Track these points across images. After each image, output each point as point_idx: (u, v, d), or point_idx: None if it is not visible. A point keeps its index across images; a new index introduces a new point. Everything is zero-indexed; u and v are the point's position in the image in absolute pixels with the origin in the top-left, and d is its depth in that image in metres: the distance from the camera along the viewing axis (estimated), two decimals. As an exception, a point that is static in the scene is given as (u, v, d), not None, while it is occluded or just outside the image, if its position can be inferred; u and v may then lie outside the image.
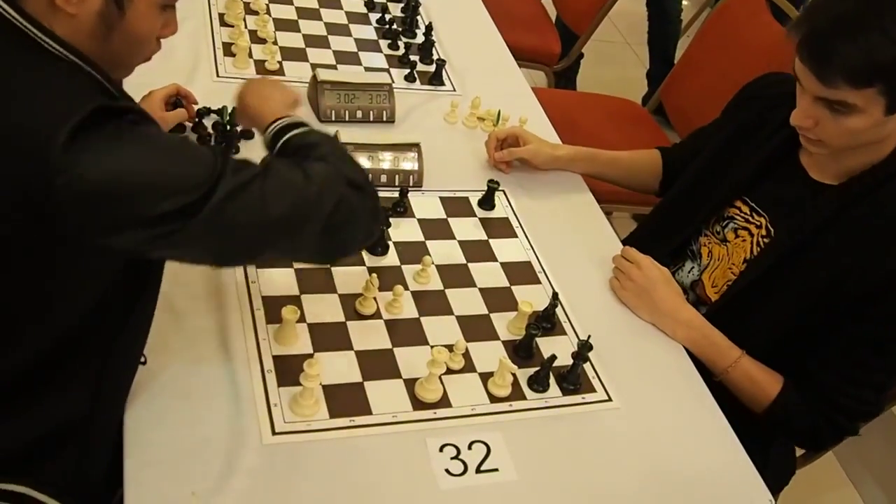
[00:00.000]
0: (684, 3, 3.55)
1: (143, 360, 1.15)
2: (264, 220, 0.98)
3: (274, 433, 1.14)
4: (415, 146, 1.61)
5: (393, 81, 1.78)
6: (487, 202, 1.61)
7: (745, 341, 1.42)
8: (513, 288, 1.46)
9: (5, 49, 0.92)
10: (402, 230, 1.51)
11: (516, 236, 1.58)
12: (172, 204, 0.90)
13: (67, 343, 1.01)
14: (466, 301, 1.41)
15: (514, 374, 1.28)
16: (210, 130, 1.58)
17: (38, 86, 0.91)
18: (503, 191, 1.66)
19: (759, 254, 1.45)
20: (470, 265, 1.48)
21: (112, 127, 0.89)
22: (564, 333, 1.41)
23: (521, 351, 1.34)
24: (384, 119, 1.75)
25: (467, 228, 1.56)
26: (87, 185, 0.86)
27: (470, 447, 1.19)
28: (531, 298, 1.40)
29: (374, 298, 1.34)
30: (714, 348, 1.43)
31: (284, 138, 1.14)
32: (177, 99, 1.56)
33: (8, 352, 0.99)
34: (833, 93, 1.23)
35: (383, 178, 1.59)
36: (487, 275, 1.47)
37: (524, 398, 1.28)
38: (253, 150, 1.58)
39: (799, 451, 1.64)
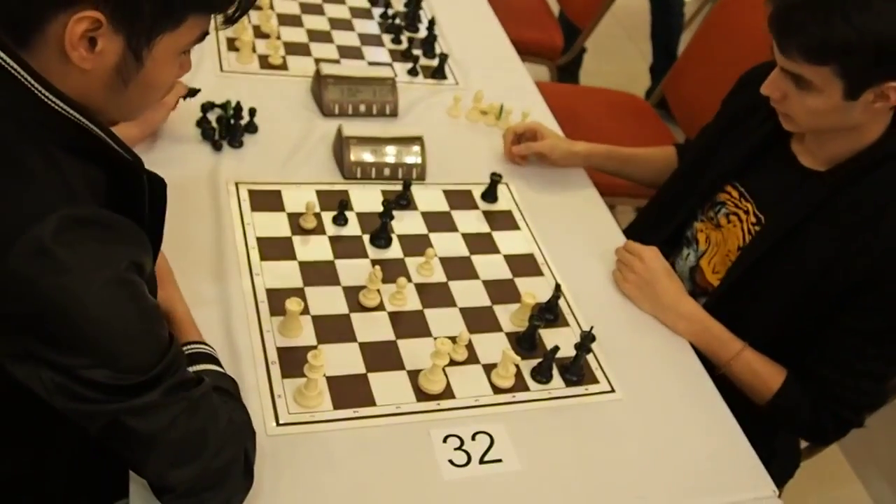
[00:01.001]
0: (687, -3, 3.55)
1: None
2: (155, 442, 0.89)
3: (278, 424, 1.14)
4: (418, 139, 1.62)
5: (396, 76, 1.78)
6: (490, 195, 1.62)
7: (746, 331, 1.43)
8: (516, 280, 1.46)
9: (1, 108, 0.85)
10: (406, 223, 1.51)
11: (519, 229, 1.58)
12: (103, 375, 0.84)
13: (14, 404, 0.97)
14: (470, 293, 1.42)
15: (517, 366, 1.29)
16: (214, 124, 1.58)
17: (23, 172, 0.83)
18: (506, 183, 1.66)
19: (751, 241, 1.46)
20: (473, 257, 1.49)
21: (93, 251, 0.82)
22: (567, 325, 1.41)
23: (524, 343, 1.35)
24: (387, 113, 1.75)
25: (470, 221, 1.56)
26: (37, 307, 0.80)
27: (473, 438, 1.20)
28: (534, 290, 1.40)
29: (378, 290, 1.34)
30: (716, 341, 1.43)
31: (200, 368, 1.06)
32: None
33: None
34: (791, 65, 1.26)
35: (387, 172, 1.59)
36: (490, 267, 1.48)
37: (527, 389, 1.29)
38: (257, 145, 1.59)
39: (804, 444, 1.64)
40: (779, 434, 1.55)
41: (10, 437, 1.02)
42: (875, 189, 1.34)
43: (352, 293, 1.35)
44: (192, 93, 1.55)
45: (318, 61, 1.81)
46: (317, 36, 1.94)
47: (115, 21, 0.85)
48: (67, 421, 0.90)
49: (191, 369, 1.02)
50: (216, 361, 1.10)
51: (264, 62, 1.81)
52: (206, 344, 1.13)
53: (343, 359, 1.25)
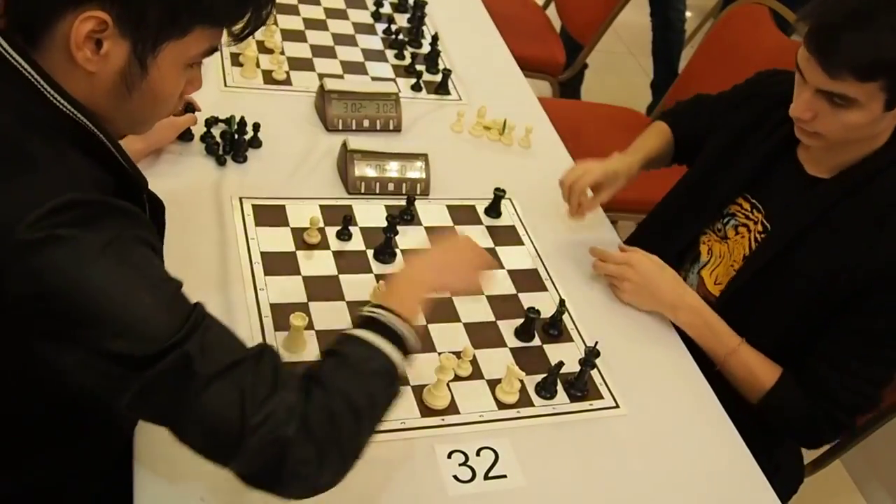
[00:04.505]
0: (688, 13, 3.56)
1: None
2: (190, 409, 0.85)
3: (283, 439, 1.14)
4: (422, 156, 1.62)
5: (399, 91, 1.79)
6: (494, 210, 1.62)
7: (747, 337, 1.43)
8: (520, 295, 1.46)
9: (9, 104, 0.85)
10: (410, 238, 1.51)
11: (523, 244, 1.58)
12: (124, 347, 0.81)
13: (60, 409, 0.97)
14: (474, 308, 1.42)
15: (521, 381, 1.29)
16: (218, 139, 1.59)
17: (28, 161, 0.83)
18: (509, 199, 1.66)
19: (756, 249, 1.46)
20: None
21: (96, 233, 0.81)
22: (571, 340, 1.41)
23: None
24: (391, 128, 1.76)
25: (474, 236, 1.54)
26: (41, 286, 0.79)
27: (478, 454, 1.20)
28: (538, 305, 1.40)
29: (382, 306, 1.34)
30: (714, 335, 1.44)
31: (364, 349, 0.96)
32: (186, 105, 1.57)
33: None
34: (837, 85, 1.24)
35: (391, 187, 1.59)
36: (494, 282, 1.48)
37: (532, 405, 1.29)
38: (261, 160, 1.60)
39: (807, 459, 1.63)
40: (782, 448, 1.55)
41: (33, 448, 1.01)
42: (881, 192, 1.34)
43: (356, 308, 1.35)
44: (191, 109, 1.56)
45: (321, 76, 1.82)
46: (320, 51, 1.95)
47: (120, 24, 0.85)
48: (89, 432, 0.90)
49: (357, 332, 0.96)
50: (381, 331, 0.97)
51: (268, 77, 1.81)
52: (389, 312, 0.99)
53: (347, 374, 1.24)
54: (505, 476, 1.18)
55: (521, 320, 1.39)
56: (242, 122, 1.58)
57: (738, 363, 1.42)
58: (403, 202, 1.56)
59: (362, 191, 1.58)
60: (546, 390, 1.30)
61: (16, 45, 0.85)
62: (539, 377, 1.31)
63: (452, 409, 1.24)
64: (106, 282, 0.81)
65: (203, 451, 0.89)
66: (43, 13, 0.85)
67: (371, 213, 1.54)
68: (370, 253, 1.46)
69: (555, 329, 1.41)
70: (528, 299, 1.45)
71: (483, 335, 1.37)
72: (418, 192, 1.61)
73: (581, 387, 1.32)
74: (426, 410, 1.23)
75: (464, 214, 1.61)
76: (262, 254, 1.40)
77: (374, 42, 2.04)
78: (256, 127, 1.61)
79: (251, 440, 0.85)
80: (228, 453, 0.86)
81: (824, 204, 1.38)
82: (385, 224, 1.45)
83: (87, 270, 0.80)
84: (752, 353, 1.42)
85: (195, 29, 0.90)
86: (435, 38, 2.00)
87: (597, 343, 1.33)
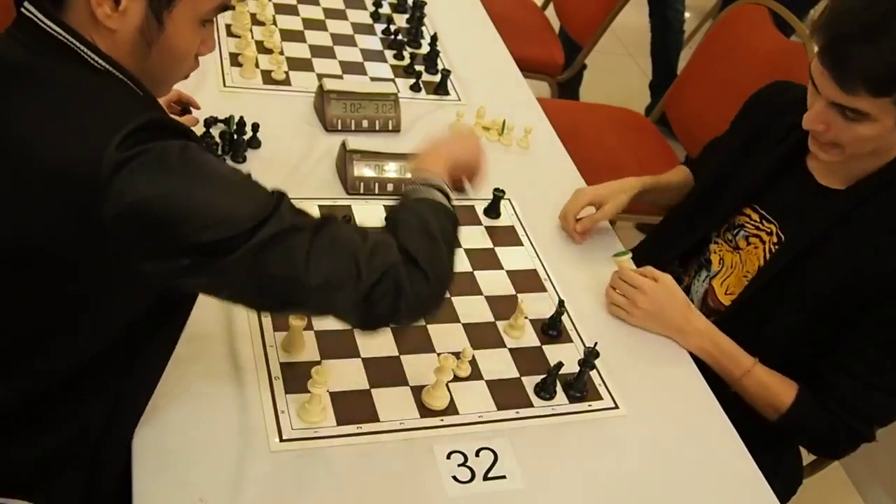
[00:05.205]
0: (686, 14, 3.56)
1: None
2: (297, 277, 0.93)
3: (281, 440, 1.14)
4: (421, 155, 1.62)
5: (398, 91, 1.79)
6: (493, 210, 1.62)
7: (759, 348, 1.42)
8: (519, 296, 1.46)
9: (49, 65, 0.91)
10: (409, 238, 1.51)
11: (522, 244, 1.58)
12: (211, 235, 0.88)
13: (90, 364, 1.00)
14: (473, 308, 1.41)
15: (521, 381, 1.28)
16: (217, 139, 1.59)
17: (87, 101, 0.90)
18: (509, 199, 1.66)
19: (769, 260, 1.45)
20: (476, 273, 1.49)
21: (163, 146, 0.87)
22: (571, 341, 1.41)
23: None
24: (390, 129, 1.75)
25: (473, 237, 1.56)
26: (133, 206, 0.85)
27: (477, 454, 1.19)
28: (537, 306, 1.40)
29: (381, 306, 1.34)
30: (726, 357, 1.42)
31: (417, 196, 1.10)
32: (183, 106, 1.57)
33: (30, 370, 0.98)
34: (850, 100, 1.23)
35: (390, 187, 1.59)
36: (493, 283, 1.48)
37: (531, 405, 1.28)
38: (260, 160, 1.59)
39: (806, 460, 1.63)
40: (782, 449, 1.54)
41: (89, 399, 1.03)
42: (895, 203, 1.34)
43: (355, 308, 1.34)
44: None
45: (320, 77, 1.82)
46: (319, 51, 1.94)
47: None
48: (142, 382, 1.02)
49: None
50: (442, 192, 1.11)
51: (267, 77, 1.81)
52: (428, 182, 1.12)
53: (346, 374, 1.24)
54: (504, 477, 1.18)
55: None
56: (241, 123, 1.58)
57: (754, 383, 1.41)
58: (402, 202, 1.56)
59: (361, 191, 1.58)
60: (545, 391, 1.30)
61: (45, 11, 0.91)
62: (538, 378, 1.31)
63: (451, 409, 1.24)
64: (189, 185, 0.88)
65: (327, 307, 0.99)
66: None
67: (370, 214, 1.54)
68: (369, 253, 1.46)
69: (554, 330, 1.41)
70: (527, 300, 1.45)
71: (482, 335, 1.37)
72: (417, 192, 1.61)
73: (580, 388, 1.32)
74: (425, 411, 1.23)
75: (463, 215, 1.58)
76: (261, 254, 1.39)
77: (374, 42, 2.04)
78: (255, 127, 1.60)
79: (370, 276, 0.95)
80: (353, 297, 0.96)
81: (839, 214, 1.37)
82: (384, 224, 1.44)
83: (172, 175, 0.87)
84: (766, 371, 1.41)
85: None
86: (434, 39, 2.00)
87: (596, 344, 1.33)
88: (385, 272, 0.97)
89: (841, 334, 1.37)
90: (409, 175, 1.58)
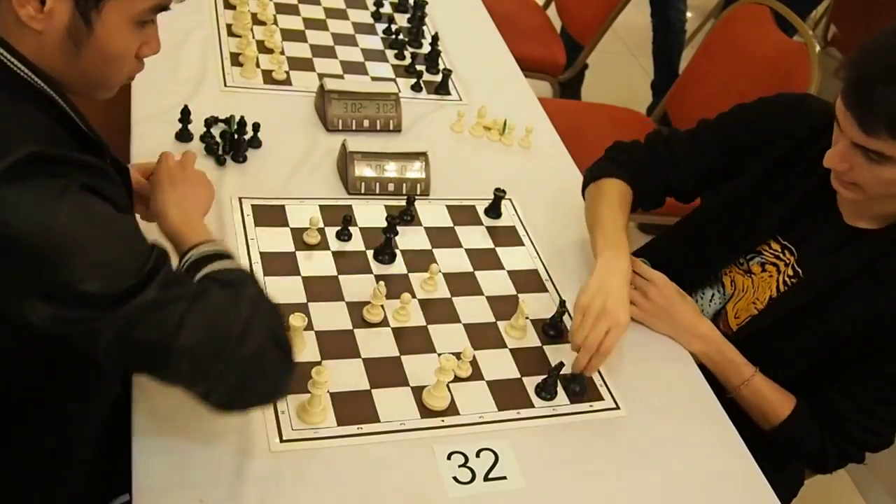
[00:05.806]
0: (688, 13, 3.56)
1: None
2: (171, 345, 0.89)
3: (282, 441, 1.14)
4: (422, 155, 1.62)
5: (399, 91, 1.79)
6: (494, 210, 1.62)
7: (764, 367, 1.41)
8: (520, 296, 1.46)
9: None
10: (409, 238, 1.51)
11: (523, 244, 1.58)
12: (96, 286, 0.83)
13: (32, 386, 0.98)
14: (473, 309, 1.41)
15: (522, 381, 1.28)
16: (218, 139, 1.58)
17: None
18: (510, 199, 1.66)
19: (786, 293, 1.43)
20: (477, 273, 1.48)
21: (53, 180, 0.83)
22: (572, 341, 1.41)
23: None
24: (391, 128, 1.75)
25: (474, 237, 1.56)
26: (10, 237, 0.80)
27: (478, 455, 1.19)
28: (538, 306, 1.40)
29: (382, 306, 1.34)
30: (728, 364, 1.42)
31: (206, 271, 1.02)
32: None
33: None
34: (873, 142, 1.18)
35: (391, 187, 1.59)
36: (494, 283, 1.47)
37: (532, 406, 1.28)
38: (261, 160, 1.59)
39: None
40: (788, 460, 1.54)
41: (31, 411, 1.01)
42: None
43: (355, 309, 1.34)
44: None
45: (321, 76, 1.81)
46: (320, 51, 1.94)
47: None
48: (85, 397, 0.94)
49: (196, 278, 1.01)
50: (219, 256, 1.05)
51: (268, 77, 1.81)
52: (204, 243, 1.07)
53: (347, 375, 1.24)
54: (505, 477, 1.17)
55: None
56: (242, 122, 1.58)
57: (752, 393, 1.40)
58: (403, 202, 1.55)
59: (362, 191, 1.58)
60: (546, 391, 1.30)
61: None
62: (539, 378, 1.31)
63: (452, 410, 1.24)
64: (76, 224, 0.83)
65: (190, 381, 0.93)
66: None
67: (371, 214, 1.54)
68: (370, 253, 1.46)
69: (554, 330, 1.40)
70: (527, 300, 1.44)
71: (483, 336, 1.37)
72: (418, 192, 1.61)
73: (581, 388, 1.31)
74: (426, 411, 1.23)
75: (464, 215, 1.60)
76: (262, 254, 1.39)
77: (375, 42, 2.04)
78: (256, 127, 1.60)
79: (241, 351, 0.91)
80: (215, 374, 0.92)
81: (869, 255, 1.34)
82: (385, 224, 1.44)
83: (49, 213, 0.82)
84: (765, 382, 1.41)
85: None
86: (435, 39, 2.00)
87: (597, 344, 1.32)
88: (258, 349, 0.94)
89: (851, 365, 1.36)
90: (409, 174, 1.60)
